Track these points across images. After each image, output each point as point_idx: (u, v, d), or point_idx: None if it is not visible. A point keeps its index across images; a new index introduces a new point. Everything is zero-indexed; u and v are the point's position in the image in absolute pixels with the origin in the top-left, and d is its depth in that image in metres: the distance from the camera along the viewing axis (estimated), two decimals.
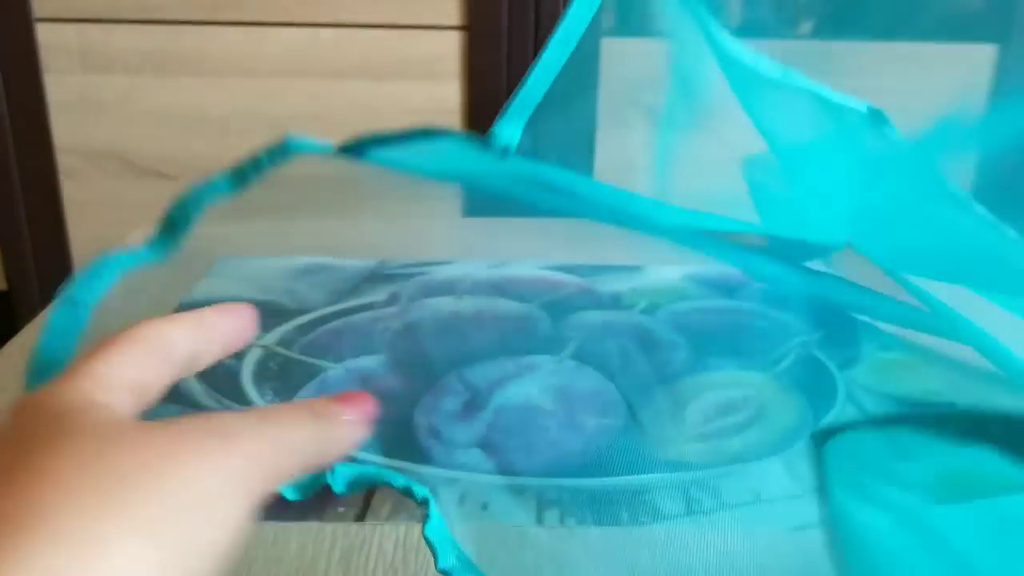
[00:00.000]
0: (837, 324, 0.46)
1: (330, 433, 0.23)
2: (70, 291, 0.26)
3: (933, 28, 1.25)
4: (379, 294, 0.54)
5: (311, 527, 0.34)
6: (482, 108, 1.12)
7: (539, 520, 0.35)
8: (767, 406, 0.42)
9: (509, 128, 0.32)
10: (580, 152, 0.49)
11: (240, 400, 0.42)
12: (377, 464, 0.35)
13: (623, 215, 0.39)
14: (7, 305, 1.20)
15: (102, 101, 1.12)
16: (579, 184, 0.35)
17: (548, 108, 0.39)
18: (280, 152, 0.29)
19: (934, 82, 1.17)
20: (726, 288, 0.56)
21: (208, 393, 0.42)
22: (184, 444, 0.19)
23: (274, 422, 0.22)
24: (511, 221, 0.68)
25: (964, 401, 0.35)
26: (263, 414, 0.22)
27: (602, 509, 0.36)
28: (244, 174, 0.28)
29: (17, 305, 1.19)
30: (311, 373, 0.45)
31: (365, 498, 0.36)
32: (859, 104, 0.27)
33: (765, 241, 0.44)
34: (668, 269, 0.59)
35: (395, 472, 0.32)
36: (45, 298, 0.52)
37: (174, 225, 0.28)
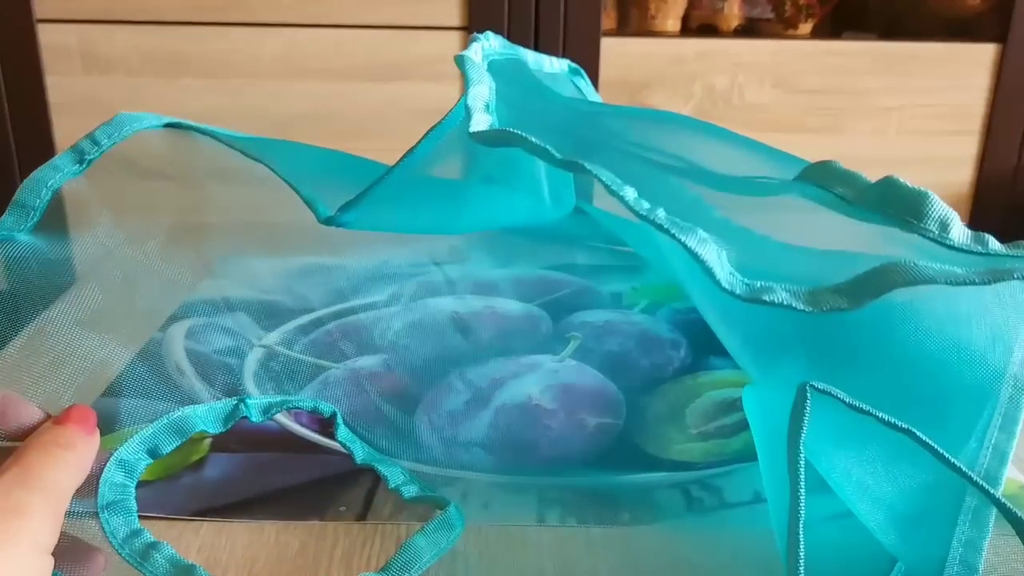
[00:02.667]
0: None
1: (79, 457, 0.27)
2: None
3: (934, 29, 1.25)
4: (381, 294, 0.54)
5: (313, 526, 0.34)
6: None
7: (540, 519, 0.35)
8: None
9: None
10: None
11: None
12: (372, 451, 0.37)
13: None
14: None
15: (103, 102, 1.12)
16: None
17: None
18: (114, 131, 0.33)
19: (934, 82, 1.17)
20: None
21: (210, 393, 0.43)
22: None
23: (51, 479, 0.25)
24: None
25: None
26: (34, 471, 0.25)
27: (603, 508, 0.36)
28: (84, 153, 0.32)
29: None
30: (313, 373, 0.45)
31: (366, 498, 0.36)
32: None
33: None
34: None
35: (300, 398, 0.37)
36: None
37: (24, 205, 0.31)
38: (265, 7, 1.09)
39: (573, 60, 0.53)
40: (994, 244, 0.25)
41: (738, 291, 0.25)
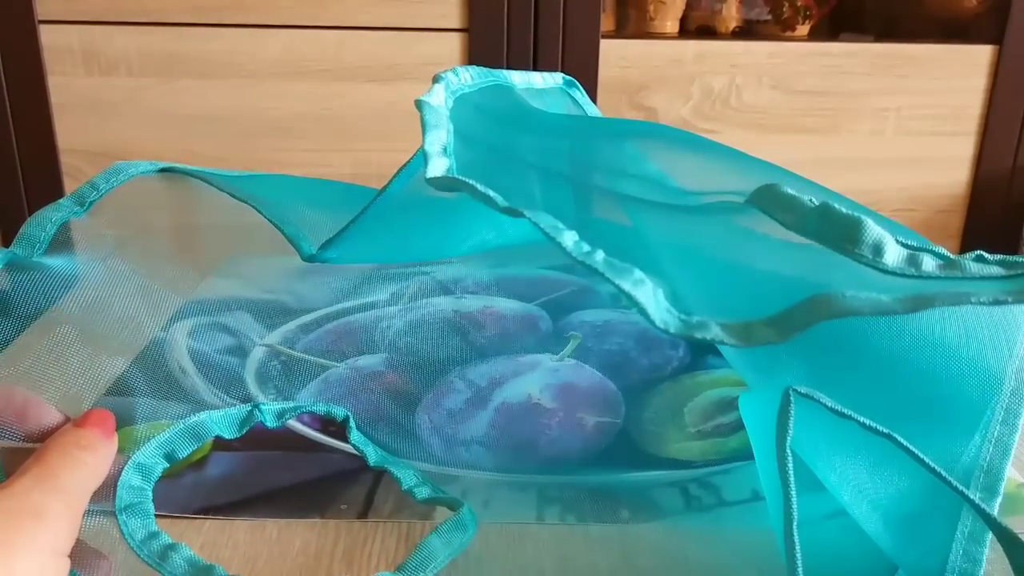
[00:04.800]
0: None
1: (98, 460, 0.27)
2: None
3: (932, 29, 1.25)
4: (381, 293, 0.55)
5: (314, 524, 0.35)
6: None
7: (540, 517, 0.35)
8: None
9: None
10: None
11: (244, 399, 0.42)
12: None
13: None
14: None
15: (105, 103, 1.13)
16: None
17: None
18: (112, 176, 0.36)
19: (931, 83, 1.17)
20: None
21: (212, 392, 0.43)
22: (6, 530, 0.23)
23: (70, 481, 0.25)
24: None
25: None
26: (53, 473, 0.25)
27: (602, 506, 0.36)
28: (84, 196, 0.35)
29: None
30: (314, 372, 0.45)
31: (367, 496, 0.36)
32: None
33: None
34: None
35: (313, 403, 0.38)
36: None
37: (31, 238, 0.33)
38: (265, 8, 1.10)
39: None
40: (928, 265, 0.26)
41: (672, 329, 0.26)
